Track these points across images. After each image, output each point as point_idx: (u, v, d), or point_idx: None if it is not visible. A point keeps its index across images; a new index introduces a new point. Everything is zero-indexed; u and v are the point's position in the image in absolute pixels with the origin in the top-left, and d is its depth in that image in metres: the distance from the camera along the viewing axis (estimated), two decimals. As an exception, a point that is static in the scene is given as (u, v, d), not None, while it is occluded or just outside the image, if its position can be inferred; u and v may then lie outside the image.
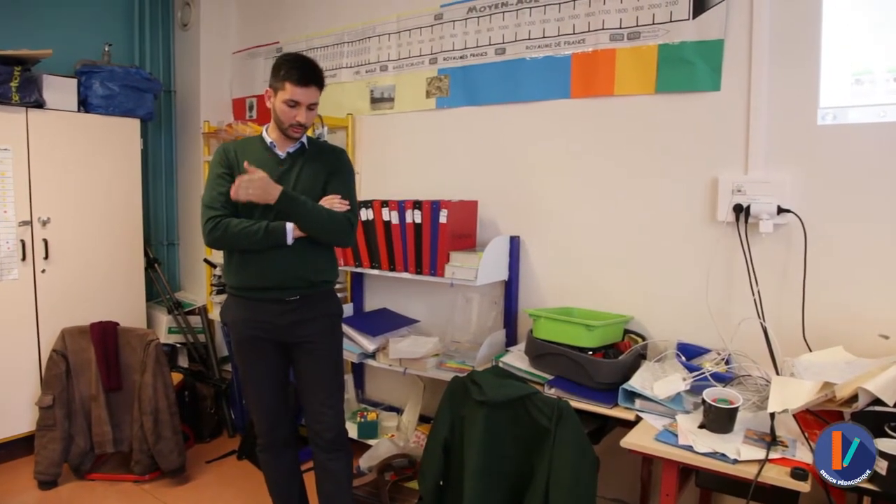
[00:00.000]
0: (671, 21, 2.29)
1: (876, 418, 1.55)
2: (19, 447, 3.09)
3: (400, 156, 3.11)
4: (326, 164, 2.15)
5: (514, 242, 2.69)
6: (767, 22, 2.11)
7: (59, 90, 3.13)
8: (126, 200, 3.43)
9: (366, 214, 2.73)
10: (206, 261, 3.52)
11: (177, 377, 3.28)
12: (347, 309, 3.11)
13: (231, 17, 3.92)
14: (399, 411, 3.10)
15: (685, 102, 2.30)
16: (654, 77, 2.34)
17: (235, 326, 2.18)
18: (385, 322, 2.95)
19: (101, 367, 2.94)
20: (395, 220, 2.65)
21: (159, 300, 3.76)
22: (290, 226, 2.02)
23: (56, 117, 3.11)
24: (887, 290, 2.00)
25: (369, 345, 2.78)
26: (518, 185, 2.73)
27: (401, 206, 2.63)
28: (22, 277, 3.04)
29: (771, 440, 1.69)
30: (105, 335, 2.98)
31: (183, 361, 3.70)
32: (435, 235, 2.56)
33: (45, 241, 3.10)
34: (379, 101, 3.16)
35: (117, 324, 3.06)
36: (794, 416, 1.75)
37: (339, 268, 2.52)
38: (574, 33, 2.51)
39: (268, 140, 2.13)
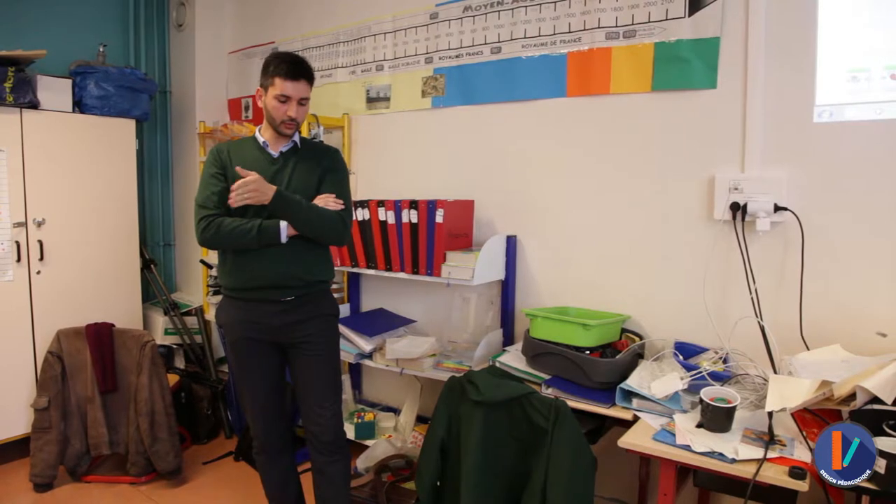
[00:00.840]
0: (667, 19, 2.28)
1: (874, 416, 1.55)
2: (15, 449, 3.07)
3: (396, 155, 3.11)
4: (320, 163, 2.14)
5: (511, 242, 2.68)
6: (763, 19, 2.11)
7: (54, 91, 3.11)
8: (121, 201, 3.41)
9: (362, 214, 2.73)
10: (202, 262, 3.51)
11: (173, 378, 3.26)
12: (344, 309, 3.10)
13: (226, 17, 3.91)
14: (396, 412, 3.09)
15: (681, 100, 2.30)
16: (651, 75, 2.33)
17: (230, 328, 2.17)
18: (382, 322, 2.94)
19: (97, 369, 2.92)
20: (391, 219, 2.64)
21: (155, 301, 3.74)
22: (283, 224, 2.01)
23: (51, 118, 3.10)
24: (885, 288, 1.99)
25: (366, 345, 2.77)
26: (514, 185, 2.72)
27: (397, 206, 2.62)
28: (17, 279, 3.03)
29: (769, 439, 1.69)
30: (100, 336, 2.97)
31: (179, 363, 3.69)
32: (431, 235, 2.55)
33: (41, 243, 3.08)
34: (375, 100, 3.15)
35: (113, 325, 3.04)
36: (792, 414, 1.75)
37: (336, 268, 2.51)
38: (570, 32, 2.50)
39: (260, 140, 2.13)
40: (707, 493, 2.34)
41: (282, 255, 2.04)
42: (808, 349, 2.03)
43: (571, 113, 2.55)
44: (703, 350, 2.21)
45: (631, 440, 1.78)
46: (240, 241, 2.01)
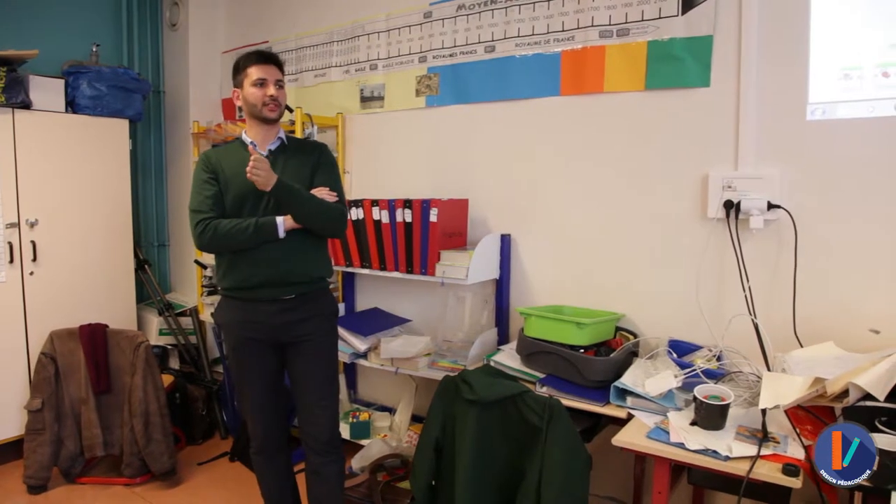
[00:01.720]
0: (660, 17, 2.28)
1: (867, 413, 1.55)
2: (8, 451, 3.06)
3: (390, 155, 3.10)
4: (309, 158, 2.15)
5: (505, 241, 2.68)
6: (756, 17, 2.11)
7: (46, 91, 3.10)
8: (115, 201, 3.40)
9: (356, 214, 2.72)
10: (196, 262, 3.50)
11: (167, 379, 3.26)
12: (339, 309, 3.10)
13: (220, 17, 3.90)
14: (391, 411, 3.09)
15: (675, 99, 2.30)
16: (644, 73, 2.33)
17: (229, 328, 2.16)
18: (376, 322, 2.94)
19: (91, 370, 2.91)
20: (385, 219, 2.64)
21: (150, 302, 3.73)
22: (280, 219, 2.01)
23: (43, 118, 3.09)
24: (878, 285, 2.00)
25: (361, 345, 2.77)
26: (509, 184, 2.72)
27: (391, 206, 2.62)
28: (10, 280, 3.02)
29: (762, 436, 1.69)
30: (94, 337, 2.96)
31: (174, 363, 3.68)
32: (425, 234, 2.55)
33: (33, 243, 3.07)
34: (369, 99, 3.14)
35: (106, 326, 3.03)
36: (786, 411, 1.75)
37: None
38: (563, 30, 2.50)
39: (247, 140, 2.14)
40: (702, 490, 2.35)
41: (280, 252, 2.03)
42: (801, 346, 2.04)
43: (565, 112, 2.55)
44: (697, 348, 2.21)
45: (625, 438, 1.78)
46: (238, 240, 2.00)
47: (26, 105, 3.01)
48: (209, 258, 2.97)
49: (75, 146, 3.21)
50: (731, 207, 2.15)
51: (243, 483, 2.93)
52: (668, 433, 1.76)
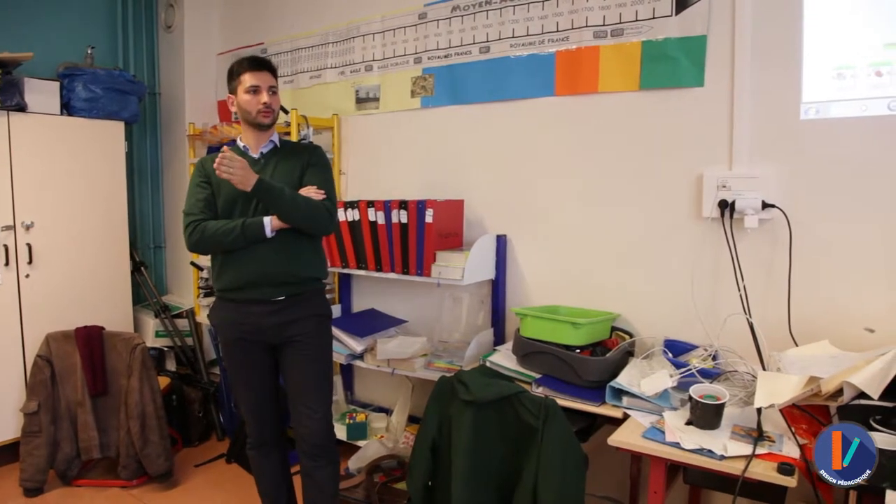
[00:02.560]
0: (654, 17, 2.29)
1: (861, 412, 1.56)
2: (4, 454, 3.06)
3: (386, 155, 3.10)
4: (301, 159, 2.16)
5: (501, 241, 2.68)
6: (750, 17, 2.11)
7: (42, 93, 3.10)
8: (111, 204, 3.40)
9: (352, 215, 2.72)
10: (192, 264, 3.50)
11: (164, 381, 3.25)
12: (335, 310, 3.09)
13: (215, 19, 3.89)
14: (388, 412, 3.09)
15: (669, 99, 2.30)
16: (638, 73, 2.34)
17: (222, 329, 2.18)
18: (373, 323, 2.94)
19: (87, 372, 2.91)
20: (381, 220, 2.64)
21: (146, 304, 3.73)
22: (267, 219, 2.02)
23: (38, 121, 3.08)
24: (873, 284, 2.00)
25: (357, 346, 2.77)
26: (504, 184, 2.72)
27: (387, 207, 2.62)
28: (5, 283, 3.01)
29: (757, 435, 1.70)
30: (90, 340, 2.95)
31: (170, 365, 3.68)
32: (421, 235, 2.55)
33: (29, 246, 3.06)
34: (364, 101, 3.14)
35: (102, 328, 3.03)
36: (781, 410, 1.75)
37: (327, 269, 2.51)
38: (558, 31, 2.50)
39: (241, 145, 2.17)
40: (698, 489, 2.35)
41: (270, 252, 2.04)
42: (796, 345, 2.04)
43: (560, 112, 2.55)
44: (692, 347, 2.22)
45: (621, 438, 1.79)
46: (225, 241, 2.02)
47: (21, 107, 3.00)
48: (205, 260, 2.97)
49: (71, 148, 3.21)
50: (725, 207, 2.16)
51: (240, 484, 2.93)
52: (663, 433, 1.76)
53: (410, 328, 3.00)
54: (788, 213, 2.07)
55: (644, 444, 1.75)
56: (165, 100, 3.95)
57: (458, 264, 2.49)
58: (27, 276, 3.08)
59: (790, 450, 1.64)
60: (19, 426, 2.90)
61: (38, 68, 3.15)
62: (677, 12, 2.24)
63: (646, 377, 1.98)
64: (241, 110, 2.10)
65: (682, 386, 1.91)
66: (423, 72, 2.91)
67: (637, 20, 2.32)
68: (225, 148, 2.01)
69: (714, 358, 2.11)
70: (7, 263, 3.00)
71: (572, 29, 2.47)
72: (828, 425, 1.55)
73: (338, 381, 3.18)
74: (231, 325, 2.14)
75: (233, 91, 2.12)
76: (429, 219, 2.52)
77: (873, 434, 1.47)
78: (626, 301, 2.44)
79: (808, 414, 1.75)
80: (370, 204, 2.66)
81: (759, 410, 1.72)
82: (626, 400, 1.98)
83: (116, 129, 3.39)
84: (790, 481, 1.54)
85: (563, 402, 2.00)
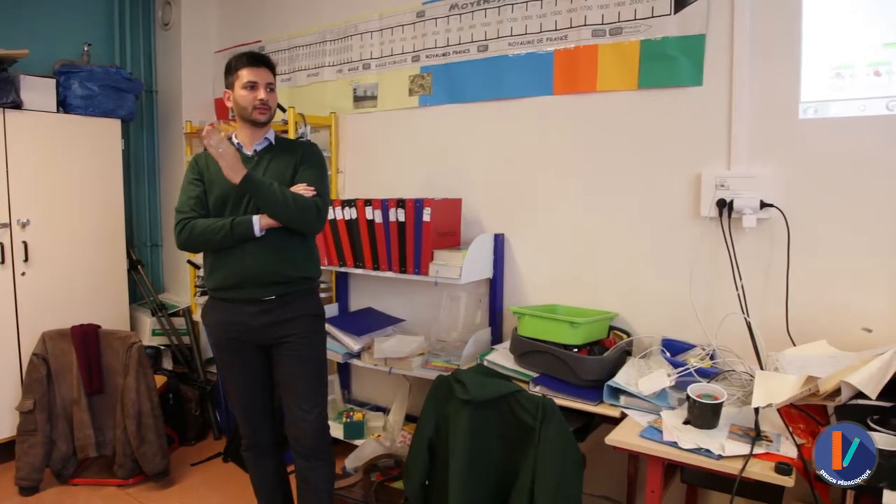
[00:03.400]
0: (653, 16, 2.28)
1: (859, 411, 1.56)
2: (0, 453, 3.04)
3: (383, 154, 3.10)
4: (294, 157, 2.14)
5: (499, 240, 2.68)
6: (748, 16, 2.11)
7: (37, 90, 3.08)
8: (107, 202, 3.38)
9: (349, 213, 2.72)
10: (189, 262, 3.49)
11: (160, 379, 3.24)
12: (332, 309, 3.09)
13: (212, 17, 3.88)
14: (385, 411, 3.08)
15: (668, 98, 2.30)
16: (637, 72, 2.33)
17: (214, 329, 2.17)
18: (370, 321, 2.94)
19: (83, 371, 2.90)
20: (378, 219, 2.63)
21: (143, 302, 3.72)
22: (256, 217, 2.00)
23: (34, 118, 3.07)
24: (870, 284, 2.00)
25: (354, 344, 2.76)
26: (502, 183, 2.72)
27: (384, 205, 2.61)
28: (1, 280, 3.00)
29: (755, 435, 1.69)
30: (86, 338, 2.94)
31: (167, 364, 3.67)
32: (419, 234, 2.54)
33: (25, 244, 3.05)
34: (362, 99, 3.14)
35: (98, 326, 3.02)
36: (779, 410, 1.75)
37: (323, 267, 2.50)
38: (556, 29, 2.50)
39: (235, 142, 2.14)
40: (695, 489, 2.35)
41: (260, 250, 2.03)
42: (794, 345, 2.04)
43: (558, 111, 2.55)
44: (690, 347, 2.21)
45: (618, 437, 1.78)
46: (214, 239, 2.01)
47: (17, 105, 2.99)
48: (202, 258, 2.96)
49: (67, 146, 3.20)
50: (723, 206, 2.15)
51: (237, 483, 2.92)
52: (661, 432, 1.76)
53: (408, 327, 3.00)
54: (787, 212, 2.07)
55: (641, 443, 1.74)
56: (162, 97, 3.94)
57: (455, 263, 2.48)
58: (23, 273, 3.06)
59: (788, 449, 1.64)
60: (15, 425, 2.89)
61: (34, 65, 3.14)
62: (676, 11, 2.23)
63: (643, 376, 1.98)
64: (237, 106, 2.09)
65: (680, 385, 1.90)
66: (421, 70, 2.90)
67: (636, 19, 2.31)
68: (205, 131, 1.98)
69: (712, 357, 2.11)
70: (3, 261, 2.99)
71: (571, 28, 2.46)
72: (826, 425, 1.56)
73: (335, 379, 3.17)
74: (222, 325, 2.13)
75: (229, 86, 2.10)
76: (426, 217, 2.51)
77: (871, 434, 1.48)
78: (623, 300, 2.43)
79: (806, 414, 1.75)
80: (368, 203, 2.66)
81: (756, 410, 1.72)
82: (623, 399, 1.97)
83: (113, 126, 3.38)
84: (788, 481, 1.53)
85: (561, 401, 2.00)
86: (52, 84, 3.15)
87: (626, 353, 2.23)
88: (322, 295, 2.30)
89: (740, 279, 2.15)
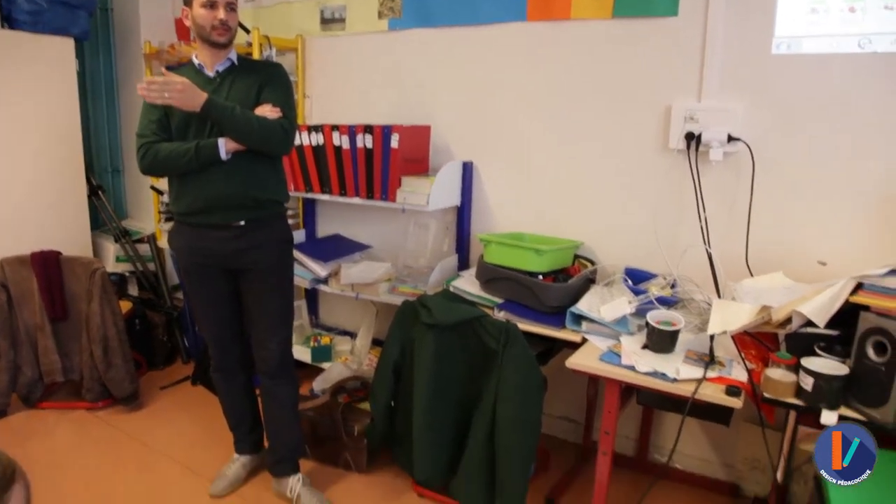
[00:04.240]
0: (630, -60, 2.21)
1: (807, 339, 1.63)
2: (-36, 378, 3.02)
3: (351, 79, 3.01)
4: (258, 78, 2.07)
5: (467, 168, 2.66)
6: (726, -57, 2.06)
7: (-22, 3, 2.90)
8: (63, 125, 3.25)
9: (316, 139, 2.66)
10: (152, 188, 3.41)
11: (126, 305, 3.22)
12: (299, 235, 3.08)
13: (171, -73, 3.66)
14: (352, 335, 3.12)
15: (642, 27, 2.26)
16: (612, 0, 2.28)
17: (181, 254, 2.15)
18: (337, 248, 2.93)
19: (45, 297, 2.86)
20: (345, 144, 2.59)
21: (105, 229, 3.64)
22: (221, 140, 1.95)
23: (-22, 33, 2.90)
24: (829, 219, 2.05)
25: (321, 270, 2.77)
26: (471, 111, 2.68)
27: (351, 131, 2.56)
28: (-45, 206, 2.90)
29: (709, 360, 1.76)
30: (47, 264, 2.88)
31: (133, 290, 3.64)
32: (386, 160, 2.51)
33: (-23, 168, 2.94)
34: (329, 21, 3.02)
35: (59, 253, 2.95)
36: (733, 337, 1.81)
37: (290, 193, 2.46)
38: (531, -50, 2.41)
39: (196, 62, 2.06)
40: (650, 410, 2.45)
41: (227, 174, 1.98)
42: (752, 276, 2.10)
43: (531, 38, 2.49)
44: (652, 276, 2.26)
45: (578, 361, 1.84)
46: (178, 164, 1.96)
47: (-44, 18, 2.81)
48: (166, 184, 2.90)
49: (15, 65, 3.03)
50: (692, 139, 2.16)
51: (206, 405, 2.96)
52: (619, 356, 1.82)
53: (375, 254, 3.00)
54: (753, 147, 2.09)
55: (600, 366, 1.80)
56: (118, 16, 3.74)
57: (423, 190, 2.47)
58: (-23, 199, 2.96)
59: (739, 374, 1.71)
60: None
61: (-24, -25, 2.94)
62: (654, -65, 2.17)
63: (605, 303, 2.02)
64: (196, 25, 1.99)
65: (641, 312, 1.95)
66: (391, -9, 2.80)
67: (612, -58, 2.24)
68: (164, 71, 1.93)
69: (672, 286, 2.16)
70: (-45, 185, 2.88)
71: (546, -51, 2.38)
72: (776, 351, 1.62)
73: (302, 305, 3.19)
74: (190, 250, 2.10)
75: (188, 4, 1.99)
76: (394, 144, 2.48)
77: (815, 359, 1.55)
78: (589, 230, 2.46)
79: (758, 341, 1.82)
80: (335, 128, 2.60)
81: (711, 337, 1.78)
82: (585, 325, 2.02)
83: (66, 45, 3.20)
84: (737, 403, 1.61)
85: (524, 326, 2.05)
86: (-5, -4, 2.96)
87: (590, 281, 2.27)
88: (289, 221, 2.26)
89: (704, 212, 2.18)
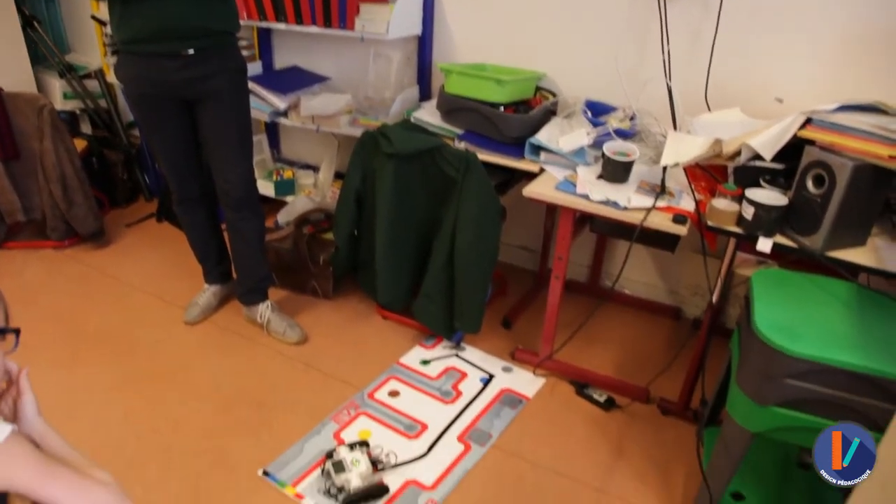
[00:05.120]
0: None
1: (754, 172, 1.68)
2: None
3: None
4: None
5: (429, -6, 2.53)
6: None
7: None
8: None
9: (267, -39, 2.48)
10: (93, 17, 3.18)
11: (81, 144, 3.13)
12: (255, 67, 2.96)
13: None
14: (315, 169, 3.13)
15: None
16: None
17: (130, 86, 2.04)
18: (296, 80, 2.84)
19: (-8, 134, 2.76)
20: (300, -33, 2.42)
21: (48, 64, 3.43)
22: None
23: None
24: (790, 55, 2.04)
25: (280, 103, 2.70)
26: (434, -70, 2.49)
27: (306, -49, 2.38)
28: None
29: (660, 190, 1.83)
30: (-10, 100, 2.75)
31: (86, 128, 3.52)
32: (344, -15, 2.37)
33: None
34: None
35: (1, 88, 2.81)
36: (685, 169, 1.87)
37: (243, 22, 2.34)
38: None
39: None
40: (603, 239, 2.58)
41: (176, 0, 1.86)
42: (710, 111, 2.12)
43: None
44: (612, 109, 2.26)
45: (535, 189, 1.89)
46: None
47: None
48: (107, 13, 2.70)
49: None
50: (660, -34, 2.07)
51: (172, 241, 3.01)
52: (575, 185, 1.87)
53: (335, 85, 2.92)
54: (722, -25, 2.01)
55: (556, 195, 1.86)
56: None
57: (382, 17, 2.36)
58: None
59: (687, 204, 1.79)
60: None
61: None
62: None
63: (565, 135, 2.04)
64: None
65: (598, 144, 1.99)
66: None
67: None
68: None
69: (631, 119, 2.17)
70: None
71: None
72: (724, 183, 1.68)
73: (262, 139, 3.14)
74: (139, 80, 2.01)
75: None
76: (352, -33, 2.33)
77: (757, 190, 1.60)
78: (552, 61, 2.41)
79: (709, 173, 1.88)
80: (287, -52, 2.41)
81: (664, 168, 1.83)
82: (543, 156, 2.05)
83: None
84: (682, 230, 1.70)
85: (484, 156, 2.07)
86: None
87: (551, 113, 2.27)
88: (244, 53, 2.16)
89: (668, 44, 2.14)
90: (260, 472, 1.78)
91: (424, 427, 1.96)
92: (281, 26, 2.62)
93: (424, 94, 2.67)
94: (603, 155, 1.89)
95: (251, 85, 2.33)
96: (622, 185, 1.88)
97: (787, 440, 1.42)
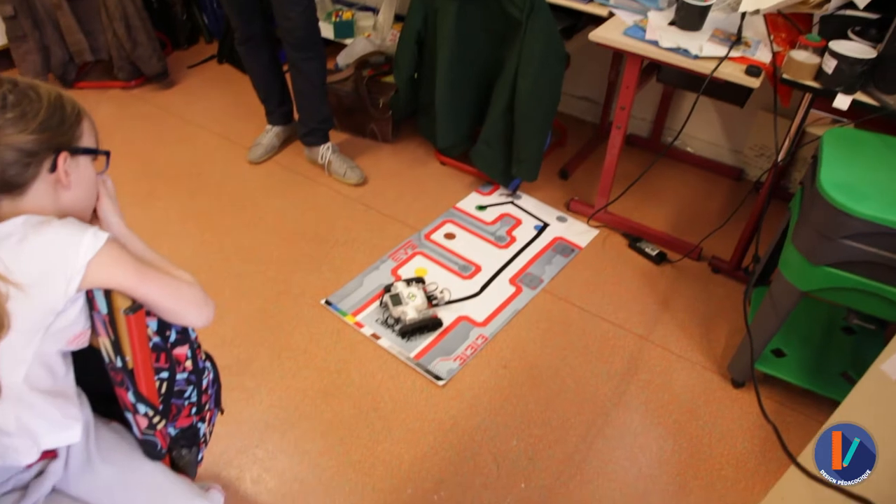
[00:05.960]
0: None
1: (842, 22, 1.57)
2: (-1, 60, 3.08)
3: None
4: None
5: None
6: None
7: None
8: None
9: None
10: None
11: (139, -17, 3.10)
12: None
13: None
14: (374, 11, 3.04)
15: None
16: None
17: None
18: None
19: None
20: None
21: None
22: None
23: None
24: None
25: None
26: None
27: None
28: None
29: (735, 39, 1.73)
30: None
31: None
32: None
33: None
34: None
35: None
36: (765, 17, 1.75)
37: None
38: None
39: None
40: (669, 93, 2.49)
41: None
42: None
43: None
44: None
45: (602, 34, 1.81)
46: None
47: None
48: None
49: None
50: None
51: (235, 82, 3.05)
52: (644, 31, 1.79)
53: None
54: None
55: (623, 40, 1.78)
56: None
57: None
58: None
59: (763, 56, 1.69)
60: (3, 33, 2.84)
61: None
62: None
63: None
64: None
65: (671, -7, 1.86)
66: None
67: None
68: None
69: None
70: None
71: None
72: (807, 34, 1.58)
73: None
74: None
75: None
76: None
77: (844, 42, 1.50)
78: None
79: (791, 22, 1.75)
80: None
81: (742, 15, 1.73)
82: (613, 0, 1.95)
83: None
84: (754, 82, 1.62)
85: (551, -1, 1.97)
86: None
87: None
88: None
89: None
90: (322, 302, 1.93)
91: (478, 269, 2.06)
92: None
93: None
94: (677, -1, 1.78)
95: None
96: (695, 32, 1.79)
97: (835, 300, 1.44)
